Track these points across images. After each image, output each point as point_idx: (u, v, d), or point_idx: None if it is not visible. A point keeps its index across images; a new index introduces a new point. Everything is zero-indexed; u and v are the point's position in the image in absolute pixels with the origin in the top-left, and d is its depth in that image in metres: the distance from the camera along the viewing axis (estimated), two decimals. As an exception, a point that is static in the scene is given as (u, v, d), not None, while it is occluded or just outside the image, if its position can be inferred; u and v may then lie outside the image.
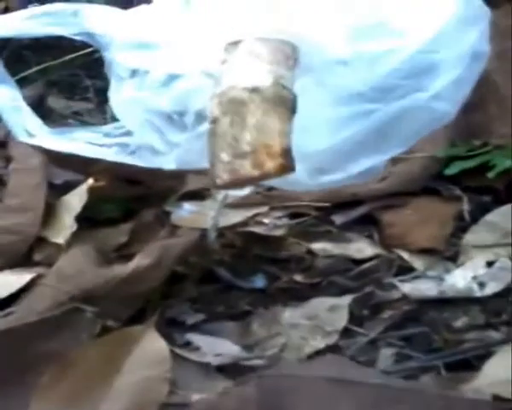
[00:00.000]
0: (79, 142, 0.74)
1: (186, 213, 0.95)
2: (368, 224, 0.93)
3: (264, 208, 0.95)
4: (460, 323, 0.77)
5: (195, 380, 0.71)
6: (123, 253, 0.86)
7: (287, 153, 0.50)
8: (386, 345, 0.75)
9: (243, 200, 0.98)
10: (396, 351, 0.74)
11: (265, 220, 0.93)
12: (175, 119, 0.64)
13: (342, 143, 0.62)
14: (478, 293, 0.79)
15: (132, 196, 0.97)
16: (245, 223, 0.92)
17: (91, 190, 0.89)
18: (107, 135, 0.74)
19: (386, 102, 0.61)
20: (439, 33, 0.62)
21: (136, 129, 0.69)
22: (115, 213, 0.94)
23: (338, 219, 0.94)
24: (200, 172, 1.03)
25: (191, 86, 0.63)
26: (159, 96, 0.65)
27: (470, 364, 0.71)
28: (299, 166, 0.59)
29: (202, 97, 0.61)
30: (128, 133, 0.71)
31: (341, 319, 0.78)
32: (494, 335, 0.75)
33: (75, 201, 0.89)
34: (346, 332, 0.77)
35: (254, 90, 0.52)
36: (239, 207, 0.95)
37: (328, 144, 0.62)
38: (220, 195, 0.86)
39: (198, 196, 0.98)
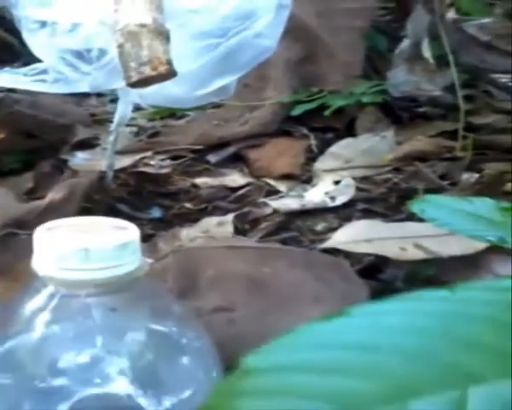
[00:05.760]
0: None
1: (80, 160, 1.09)
2: (237, 161, 1.11)
3: (149, 153, 1.11)
4: (320, 227, 0.95)
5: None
6: (33, 196, 0.99)
7: (170, 62, 0.74)
8: (266, 248, 0.94)
9: (130, 146, 1.14)
10: (275, 252, 0.93)
11: (152, 162, 1.09)
12: (84, 54, 0.82)
13: (200, 67, 0.85)
14: (330, 204, 0.99)
15: (30, 149, 1.09)
16: (135, 165, 1.07)
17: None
18: (25, 75, 0.84)
19: (226, 38, 0.83)
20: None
21: (53, 64, 0.84)
22: (16, 165, 1.06)
23: (212, 158, 1.12)
24: (86, 125, 1.18)
25: (92, 32, 0.81)
26: (69, 39, 0.82)
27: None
28: (178, 88, 0.82)
29: (102, 38, 0.80)
30: (44, 72, 0.84)
31: (228, 232, 0.95)
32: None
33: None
34: (233, 241, 0.95)
35: (142, 25, 0.75)
36: (126, 153, 1.11)
37: (190, 68, 0.84)
38: (111, 137, 1.01)
39: (88, 145, 1.12)
